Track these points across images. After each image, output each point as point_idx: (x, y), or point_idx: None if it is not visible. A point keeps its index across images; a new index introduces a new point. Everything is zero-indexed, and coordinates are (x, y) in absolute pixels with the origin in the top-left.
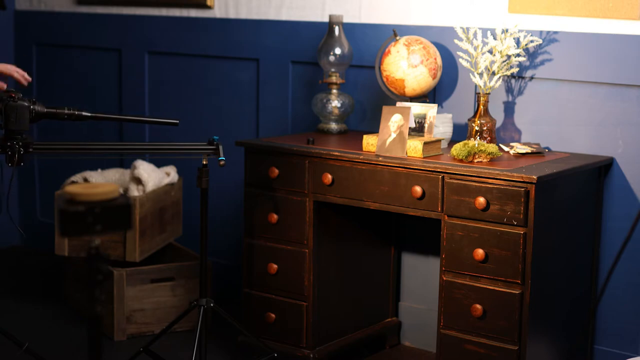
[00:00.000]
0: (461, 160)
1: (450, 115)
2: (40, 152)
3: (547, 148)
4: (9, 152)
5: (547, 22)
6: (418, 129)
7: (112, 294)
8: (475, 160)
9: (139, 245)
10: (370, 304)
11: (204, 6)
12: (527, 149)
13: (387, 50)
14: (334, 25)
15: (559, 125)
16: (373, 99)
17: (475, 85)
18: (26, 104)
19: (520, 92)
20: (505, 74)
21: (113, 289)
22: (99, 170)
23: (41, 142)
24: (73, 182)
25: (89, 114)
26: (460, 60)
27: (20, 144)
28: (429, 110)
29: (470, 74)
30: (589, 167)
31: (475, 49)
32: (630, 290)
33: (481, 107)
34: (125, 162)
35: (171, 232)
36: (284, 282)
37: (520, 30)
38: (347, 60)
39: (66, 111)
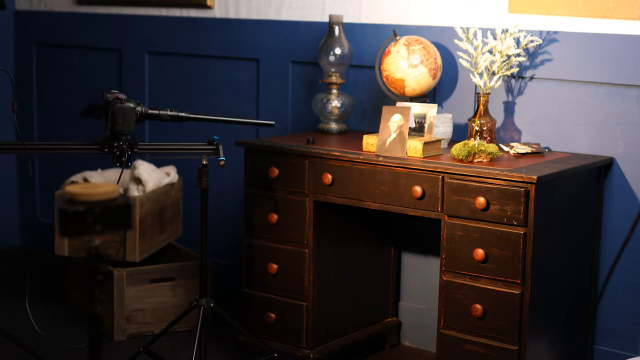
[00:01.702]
0: (461, 160)
1: (450, 115)
2: (144, 152)
3: (547, 148)
4: (117, 153)
5: (547, 22)
6: (418, 129)
7: (112, 294)
8: (475, 160)
9: (139, 245)
10: (370, 304)
11: (204, 6)
12: (527, 149)
13: (387, 50)
14: (334, 25)
15: (559, 125)
16: (373, 99)
17: (475, 85)
18: (132, 105)
19: (520, 92)
20: (505, 74)
21: (113, 289)
22: (99, 170)
23: (145, 143)
24: (73, 182)
25: (189, 115)
26: (460, 60)
27: (127, 144)
28: (429, 110)
29: (470, 74)
30: (589, 167)
31: (475, 49)
32: (630, 290)
33: (481, 107)
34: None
35: (171, 232)
36: (284, 282)
37: (520, 30)
38: (347, 60)
39: (168, 112)
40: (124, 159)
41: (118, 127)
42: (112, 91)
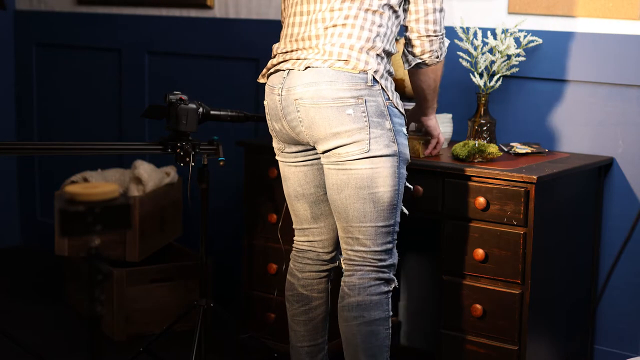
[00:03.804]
0: (461, 160)
1: (450, 115)
2: (205, 152)
3: (547, 148)
4: (182, 153)
5: (547, 22)
6: (418, 129)
7: (112, 294)
8: (475, 160)
9: (139, 245)
10: None
11: (204, 6)
12: (527, 149)
13: None
14: None
15: (559, 125)
16: None
17: (476, 85)
18: (195, 106)
19: (520, 92)
20: (505, 74)
21: (113, 289)
22: (99, 170)
23: (203, 142)
24: (73, 182)
25: (248, 114)
26: (460, 60)
27: (190, 144)
28: None
29: (470, 74)
30: (589, 167)
31: (475, 49)
32: (630, 291)
33: (481, 107)
34: (125, 162)
35: (171, 232)
36: (283, 282)
37: (520, 30)
38: None
39: (229, 113)
40: (188, 159)
41: (182, 128)
42: (175, 92)
